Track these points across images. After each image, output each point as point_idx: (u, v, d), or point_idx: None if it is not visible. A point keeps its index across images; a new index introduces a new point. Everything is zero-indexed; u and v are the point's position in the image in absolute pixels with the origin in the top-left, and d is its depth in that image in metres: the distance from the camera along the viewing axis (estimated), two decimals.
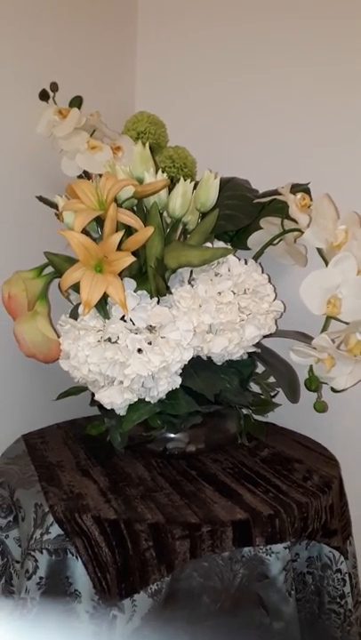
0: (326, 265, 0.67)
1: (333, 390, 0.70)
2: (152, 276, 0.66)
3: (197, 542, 0.59)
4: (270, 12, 0.86)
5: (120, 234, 0.61)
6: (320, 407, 0.71)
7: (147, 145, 0.71)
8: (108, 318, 0.65)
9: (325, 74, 0.83)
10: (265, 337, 0.70)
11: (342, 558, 0.67)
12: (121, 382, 0.64)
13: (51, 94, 0.80)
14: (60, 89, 0.80)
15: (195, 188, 0.69)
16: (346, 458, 0.79)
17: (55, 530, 0.61)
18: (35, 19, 0.81)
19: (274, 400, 0.77)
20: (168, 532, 0.58)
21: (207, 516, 0.60)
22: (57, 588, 0.60)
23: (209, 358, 0.69)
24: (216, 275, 0.69)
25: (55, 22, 0.84)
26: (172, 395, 0.66)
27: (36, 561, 0.61)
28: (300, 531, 0.63)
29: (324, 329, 0.67)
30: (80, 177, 0.77)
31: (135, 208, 0.69)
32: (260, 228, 0.76)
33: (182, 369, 0.65)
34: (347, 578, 0.67)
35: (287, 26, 0.85)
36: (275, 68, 0.87)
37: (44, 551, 0.61)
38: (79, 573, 0.60)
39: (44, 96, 0.80)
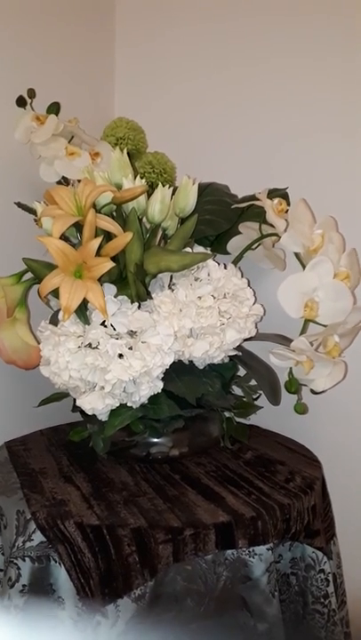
0: (303, 269, 0.68)
1: (313, 392, 0.71)
2: (132, 282, 0.66)
3: (180, 546, 0.59)
4: (251, 13, 0.87)
5: (99, 239, 0.61)
6: (300, 409, 0.72)
7: (125, 151, 0.71)
8: (89, 324, 0.65)
9: (306, 76, 0.84)
10: (246, 340, 0.70)
11: (325, 559, 0.67)
12: (102, 388, 0.64)
13: (28, 100, 0.80)
14: (37, 95, 0.80)
15: (174, 193, 0.70)
16: (328, 458, 0.80)
17: (38, 537, 0.61)
18: (11, 25, 0.81)
19: (256, 402, 0.77)
20: (151, 536, 0.59)
21: (190, 520, 0.60)
22: (40, 595, 0.60)
23: (190, 362, 0.69)
24: (196, 279, 0.69)
25: (32, 28, 0.84)
26: (154, 399, 0.67)
27: (18, 569, 0.60)
28: (282, 532, 0.64)
29: (303, 332, 0.68)
30: (59, 183, 0.77)
31: (114, 214, 0.69)
32: (240, 233, 0.77)
33: (164, 373, 0.66)
34: (330, 578, 0.67)
35: (266, 28, 0.86)
36: (255, 73, 0.88)
37: (27, 559, 0.60)
38: (62, 580, 0.60)
39: (21, 102, 0.80)
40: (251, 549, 0.61)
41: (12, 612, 0.59)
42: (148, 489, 0.67)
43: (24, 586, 0.60)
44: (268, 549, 0.62)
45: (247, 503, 0.64)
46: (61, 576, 0.60)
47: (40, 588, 0.60)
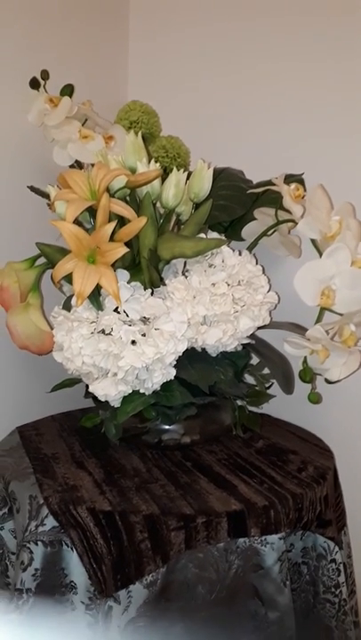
0: (320, 256, 0.67)
1: (327, 381, 0.70)
2: (145, 268, 0.66)
3: (192, 533, 0.59)
4: (265, 3, 0.85)
5: (113, 224, 0.60)
6: (314, 398, 0.71)
7: (139, 134, 0.70)
8: (102, 310, 0.64)
9: (321, 64, 0.82)
10: (259, 328, 0.69)
11: (337, 548, 0.67)
12: (115, 374, 0.63)
13: (41, 82, 0.79)
14: (51, 77, 0.79)
15: (188, 178, 0.69)
16: (340, 448, 0.79)
17: (50, 522, 0.61)
18: (25, 6, 0.79)
19: (268, 391, 0.77)
20: (163, 523, 0.58)
21: (202, 507, 0.60)
22: (52, 580, 0.60)
23: (203, 350, 0.69)
24: (210, 266, 0.68)
25: (46, 10, 0.83)
26: (166, 386, 0.66)
27: (31, 552, 0.61)
28: (294, 521, 0.64)
29: (318, 320, 0.67)
30: (72, 166, 0.76)
31: (128, 198, 0.68)
32: (255, 219, 0.76)
33: (177, 360, 0.65)
34: (341, 568, 0.67)
35: (282, 16, 0.84)
36: (271, 56, 0.86)
37: (39, 543, 0.61)
38: (74, 565, 0.60)
39: (34, 84, 0.78)
40: (263, 538, 0.61)
41: (24, 596, 0.59)
42: (160, 476, 0.67)
43: (36, 570, 0.60)
44: (280, 538, 0.62)
45: (259, 492, 0.63)
46: (73, 561, 0.60)
47: (52, 572, 0.60)
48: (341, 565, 0.67)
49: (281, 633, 0.62)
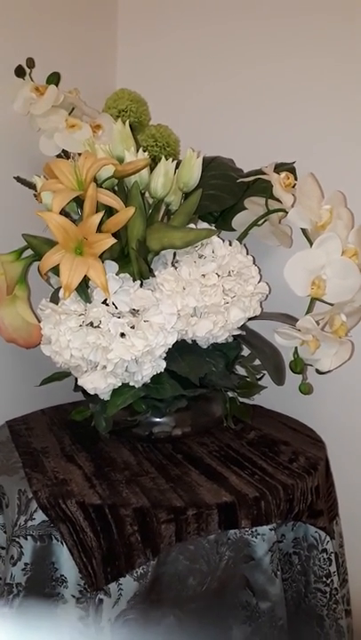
0: (311, 245, 0.66)
1: (318, 372, 0.70)
2: (134, 259, 0.65)
3: (183, 526, 0.59)
4: None
5: (100, 215, 0.60)
6: (305, 389, 0.71)
7: (127, 123, 0.69)
8: (90, 302, 0.63)
9: (311, 52, 0.81)
10: (250, 319, 0.69)
11: (328, 538, 0.67)
12: (104, 367, 0.63)
13: (27, 70, 0.77)
14: (36, 65, 0.78)
15: (177, 167, 0.68)
16: (332, 438, 0.79)
17: (39, 516, 0.61)
18: None
19: (260, 382, 0.76)
20: (153, 515, 0.58)
21: (193, 500, 0.60)
22: (42, 574, 0.60)
23: (194, 342, 0.68)
24: (200, 257, 0.67)
25: None
26: (156, 379, 0.66)
27: (20, 547, 0.60)
28: (285, 512, 0.64)
29: (309, 310, 0.67)
30: (59, 156, 0.75)
31: (116, 188, 0.67)
32: (245, 209, 0.75)
33: (167, 353, 0.64)
34: (333, 557, 0.67)
35: (275, 5, 0.83)
36: (259, 43, 0.85)
37: (29, 537, 0.60)
38: (64, 559, 0.60)
39: (20, 72, 0.77)
40: (254, 529, 0.61)
41: (14, 590, 0.59)
42: (151, 468, 0.66)
43: (26, 564, 0.60)
44: (270, 529, 0.62)
45: (250, 483, 0.63)
46: (63, 555, 0.60)
47: (42, 566, 0.60)
48: (333, 555, 0.67)
49: (272, 623, 0.63)
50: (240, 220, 0.75)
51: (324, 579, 0.67)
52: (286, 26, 0.82)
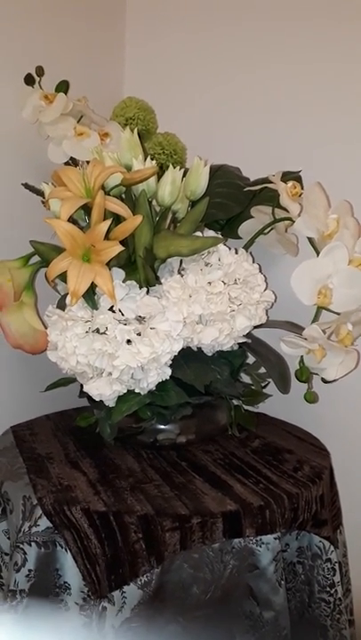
0: (317, 255, 0.66)
1: (324, 381, 0.69)
2: (141, 266, 0.65)
3: (187, 534, 0.58)
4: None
5: (108, 222, 0.60)
6: (311, 398, 0.71)
7: (135, 131, 0.69)
8: (97, 309, 0.63)
9: (320, 61, 0.81)
10: (256, 327, 0.69)
11: (332, 548, 0.67)
12: (110, 374, 0.63)
13: (36, 79, 0.78)
14: (46, 73, 0.78)
15: (184, 175, 0.68)
16: (336, 448, 0.79)
17: (44, 522, 0.60)
18: (20, 2, 0.78)
19: (265, 391, 0.76)
20: (158, 523, 0.58)
21: (197, 508, 0.60)
22: (46, 581, 0.60)
23: (199, 349, 0.68)
24: (206, 264, 0.68)
25: (41, 5, 0.82)
26: (161, 386, 0.66)
27: (24, 553, 0.60)
28: (290, 521, 0.63)
29: (315, 319, 0.67)
30: (67, 164, 0.75)
31: (123, 196, 0.68)
32: (251, 217, 0.75)
33: (172, 360, 0.65)
34: (337, 567, 0.67)
35: (281, 13, 0.83)
36: (268, 53, 0.85)
37: (33, 544, 0.60)
38: (68, 565, 0.60)
39: (29, 80, 0.77)
40: (258, 538, 0.61)
41: (17, 597, 0.59)
42: (155, 476, 0.66)
43: (30, 570, 0.59)
44: (275, 538, 0.61)
45: (255, 492, 0.63)
46: (67, 562, 0.60)
47: (46, 573, 0.60)
48: (337, 565, 0.67)
49: (276, 632, 0.62)
50: (246, 229, 0.76)
51: (328, 588, 0.67)
52: (299, 30, 0.82)
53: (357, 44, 0.78)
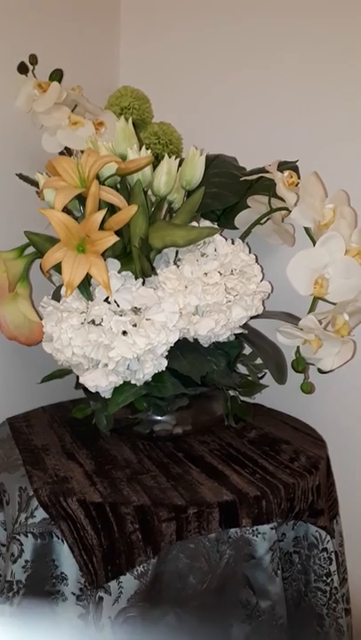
0: (314, 244, 0.66)
1: (320, 371, 0.69)
2: (136, 257, 0.65)
3: (184, 524, 0.59)
4: None
5: (102, 212, 0.59)
6: (307, 388, 0.71)
7: (130, 120, 0.68)
8: (92, 300, 0.63)
9: (314, 50, 0.80)
10: (252, 318, 0.69)
11: (328, 537, 0.67)
12: (106, 365, 0.63)
13: (30, 67, 0.77)
14: (39, 62, 0.77)
15: (180, 165, 0.68)
16: (333, 438, 0.79)
17: (40, 513, 0.60)
18: None
19: (261, 381, 0.76)
20: (154, 514, 0.58)
21: (194, 498, 0.60)
22: (43, 572, 0.60)
23: (195, 340, 0.68)
24: (202, 255, 0.67)
25: None
26: (157, 377, 0.66)
27: (21, 545, 0.60)
28: (286, 511, 0.63)
29: (312, 309, 0.67)
30: (61, 153, 0.74)
31: (118, 186, 0.67)
32: (248, 207, 0.75)
33: (168, 351, 0.64)
34: (333, 556, 0.67)
35: (277, 8, 0.82)
36: (264, 42, 0.84)
37: (30, 535, 0.60)
38: (65, 556, 0.60)
39: (22, 69, 0.77)
40: (254, 528, 0.61)
41: (14, 587, 0.59)
42: (152, 467, 0.66)
43: (26, 561, 0.60)
44: (271, 528, 0.62)
45: (251, 482, 0.63)
46: (64, 552, 0.60)
47: (43, 563, 0.60)
48: (333, 554, 0.67)
49: (272, 621, 0.63)
50: (243, 219, 0.75)
51: (325, 578, 0.67)
52: (289, 24, 0.82)
53: (356, 38, 0.77)
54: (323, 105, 0.81)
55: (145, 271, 0.65)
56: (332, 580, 0.67)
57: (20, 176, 0.74)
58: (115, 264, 0.64)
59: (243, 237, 0.73)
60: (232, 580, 0.62)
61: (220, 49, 0.88)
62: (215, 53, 0.89)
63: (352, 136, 0.79)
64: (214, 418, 0.76)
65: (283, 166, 0.73)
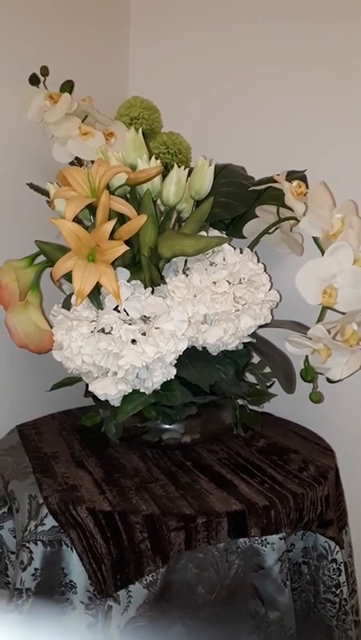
0: (322, 254, 0.66)
1: (329, 381, 0.69)
2: (146, 266, 0.65)
3: (193, 533, 0.59)
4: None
5: (113, 222, 0.60)
6: (316, 397, 0.71)
7: (140, 131, 0.69)
8: (102, 309, 0.64)
9: (322, 60, 0.81)
10: (261, 327, 0.69)
11: (338, 548, 0.67)
12: (115, 373, 0.63)
13: (41, 79, 0.78)
14: (50, 73, 0.78)
15: (189, 174, 0.68)
16: (342, 448, 0.79)
17: (50, 521, 0.61)
18: (24, 1, 0.79)
19: (270, 390, 0.76)
20: (163, 523, 0.58)
21: (202, 508, 0.60)
22: (52, 580, 0.60)
23: (204, 349, 0.68)
24: (211, 264, 0.67)
25: (47, 4, 0.82)
26: (166, 385, 0.66)
27: (30, 552, 0.60)
28: (295, 521, 0.63)
29: (320, 319, 0.67)
30: (72, 163, 0.75)
31: (128, 196, 0.68)
32: (256, 216, 0.75)
33: (177, 359, 0.65)
34: (342, 567, 0.67)
35: (286, 12, 0.83)
36: (272, 53, 0.85)
37: (39, 542, 0.60)
38: (74, 564, 0.60)
39: (34, 80, 0.78)
40: (263, 538, 0.61)
41: (23, 595, 0.59)
42: (160, 475, 0.66)
43: (36, 569, 0.60)
44: (280, 539, 0.61)
45: (260, 492, 0.63)
46: (73, 561, 0.60)
47: (52, 571, 0.60)
48: (342, 565, 0.67)
49: (281, 633, 0.62)
50: (251, 228, 0.75)
51: (334, 589, 0.66)
52: (300, 35, 0.82)
53: (359, 41, 0.77)
54: (331, 116, 0.81)
55: (154, 280, 0.66)
56: (341, 591, 0.67)
57: (31, 186, 0.75)
58: (124, 273, 0.65)
59: (251, 247, 0.73)
60: (241, 590, 0.61)
61: (229, 61, 0.89)
62: (224, 65, 0.90)
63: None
64: (223, 427, 0.76)
65: (291, 176, 0.73)
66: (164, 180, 0.67)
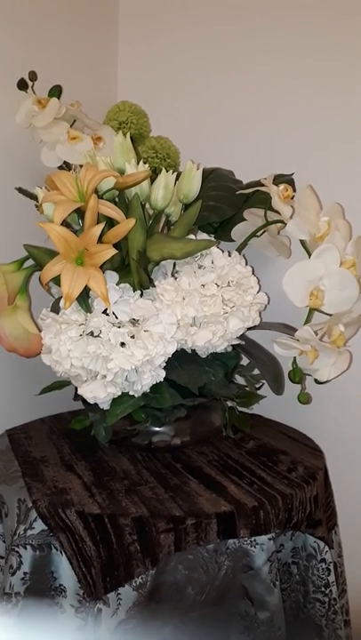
0: (309, 257, 0.67)
1: (317, 382, 0.70)
2: (134, 269, 0.65)
3: (182, 535, 0.59)
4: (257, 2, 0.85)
5: (101, 226, 0.60)
6: (304, 399, 0.71)
7: (128, 135, 0.70)
8: (90, 312, 0.64)
9: (310, 62, 0.82)
10: (249, 329, 0.69)
11: (327, 548, 0.67)
12: (104, 376, 0.63)
13: (29, 83, 0.78)
14: (39, 78, 0.79)
15: (177, 178, 0.69)
16: (331, 448, 0.80)
17: (39, 525, 0.61)
18: (12, 6, 0.79)
19: (259, 392, 0.77)
20: (152, 525, 0.58)
21: (192, 509, 0.60)
22: (41, 583, 0.60)
23: (193, 351, 0.69)
24: (200, 267, 0.68)
25: (33, 9, 0.82)
26: (156, 388, 0.66)
27: (19, 556, 0.60)
28: (284, 522, 0.64)
29: (308, 321, 0.67)
30: (60, 168, 0.76)
31: (117, 200, 0.68)
32: (244, 220, 0.76)
33: (166, 362, 0.65)
34: (331, 567, 0.67)
35: (276, 14, 0.84)
36: (259, 57, 0.86)
37: (28, 547, 0.60)
38: (64, 568, 0.60)
39: (22, 85, 0.78)
40: (252, 539, 0.61)
41: (13, 599, 0.59)
42: (150, 478, 0.67)
43: (25, 573, 0.60)
44: (269, 539, 0.62)
45: (249, 493, 0.63)
46: (62, 564, 0.60)
47: (41, 575, 0.60)
48: (332, 565, 0.67)
49: (271, 633, 0.63)
50: (239, 231, 0.76)
51: (323, 589, 0.67)
52: (293, 30, 0.83)
53: (354, 42, 0.78)
54: (318, 120, 0.82)
55: (143, 283, 0.66)
56: (330, 590, 0.67)
57: (20, 190, 0.75)
58: (113, 276, 0.65)
59: (239, 250, 0.73)
60: (231, 591, 0.62)
61: (219, 65, 0.90)
62: (214, 69, 0.90)
63: (349, 148, 0.80)
64: (212, 429, 0.76)
65: (278, 179, 0.74)
66: (152, 183, 0.67)
